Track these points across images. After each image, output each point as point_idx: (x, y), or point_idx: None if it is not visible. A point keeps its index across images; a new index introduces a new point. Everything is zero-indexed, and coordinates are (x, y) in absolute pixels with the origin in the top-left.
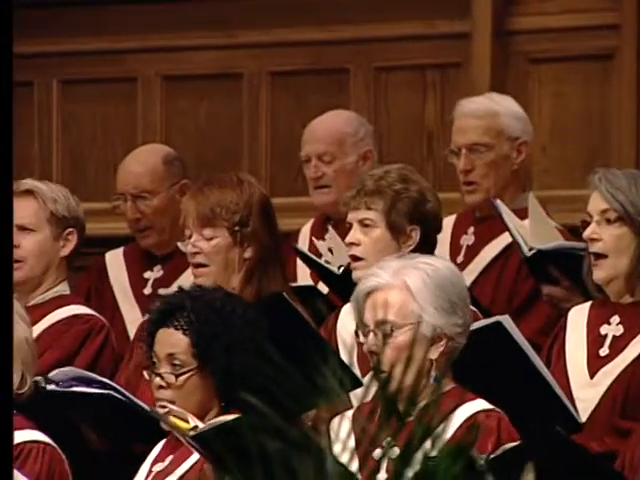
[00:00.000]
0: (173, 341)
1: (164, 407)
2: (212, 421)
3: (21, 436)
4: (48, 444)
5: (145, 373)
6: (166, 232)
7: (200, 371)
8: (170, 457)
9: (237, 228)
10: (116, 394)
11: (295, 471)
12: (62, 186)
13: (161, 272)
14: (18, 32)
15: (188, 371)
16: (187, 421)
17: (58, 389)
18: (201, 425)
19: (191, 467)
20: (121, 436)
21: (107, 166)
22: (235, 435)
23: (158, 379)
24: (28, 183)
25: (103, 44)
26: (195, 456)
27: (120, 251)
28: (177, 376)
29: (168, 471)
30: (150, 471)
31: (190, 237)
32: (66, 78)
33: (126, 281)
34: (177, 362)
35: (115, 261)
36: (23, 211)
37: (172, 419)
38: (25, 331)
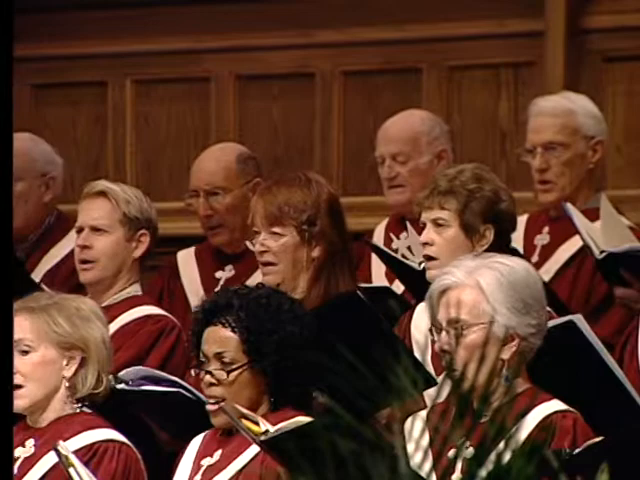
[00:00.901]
0: (222, 339)
1: (216, 404)
2: (284, 424)
3: (97, 435)
4: (124, 443)
5: (192, 371)
6: (237, 230)
7: (250, 367)
8: (219, 451)
9: (305, 227)
10: (185, 392)
11: (369, 471)
12: (135, 187)
13: (233, 272)
14: (93, 33)
15: (239, 367)
16: (258, 424)
17: (128, 388)
18: (272, 429)
19: (250, 461)
20: (190, 434)
21: (180, 166)
22: (308, 437)
23: (208, 377)
24: (101, 184)
25: (177, 44)
26: (252, 449)
27: (192, 250)
28: (228, 372)
29: (221, 466)
30: (199, 465)
31: (259, 236)
32: (140, 78)
33: (197, 280)
34: (227, 359)
35: (186, 260)
36: (96, 212)
37: (244, 422)
38: (101, 331)
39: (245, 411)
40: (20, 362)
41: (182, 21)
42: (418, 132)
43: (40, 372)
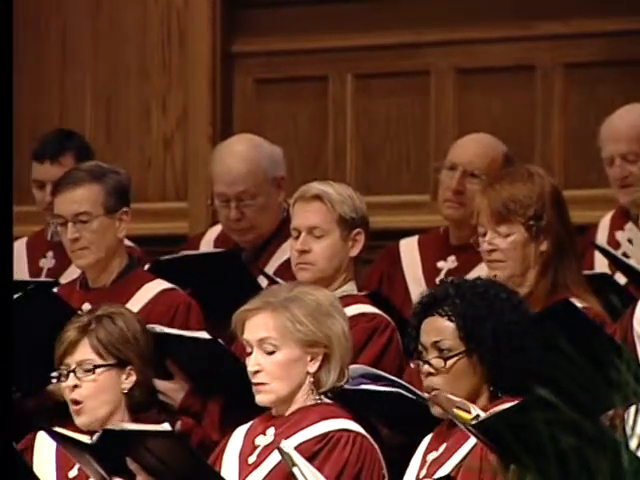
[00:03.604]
0: (439, 328)
1: (434, 394)
2: (494, 409)
3: (332, 425)
4: (359, 433)
5: (412, 363)
6: (469, 221)
7: (468, 355)
8: (444, 445)
9: (532, 222)
10: (404, 392)
11: (589, 465)
12: (354, 181)
13: (455, 263)
14: (315, 27)
15: (456, 355)
16: (469, 412)
17: (349, 386)
18: (482, 414)
19: (468, 453)
20: (412, 430)
21: (399, 159)
22: (517, 421)
23: (426, 366)
24: (315, 187)
25: (397, 38)
26: (470, 442)
27: (415, 239)
28: (445, 360)
29: (443, 459)
30: (424, 460)
31: (484, 235)
32: (360, 72)
33: (419, 270)
34: (444, 348)
35: (409, 249)
36: (312, 216)
37: (455, 410)
38: (342, 324)
39: (457, 399)
40: (265, 361)
41: (402, 15)
42: None
43: (285, 371)
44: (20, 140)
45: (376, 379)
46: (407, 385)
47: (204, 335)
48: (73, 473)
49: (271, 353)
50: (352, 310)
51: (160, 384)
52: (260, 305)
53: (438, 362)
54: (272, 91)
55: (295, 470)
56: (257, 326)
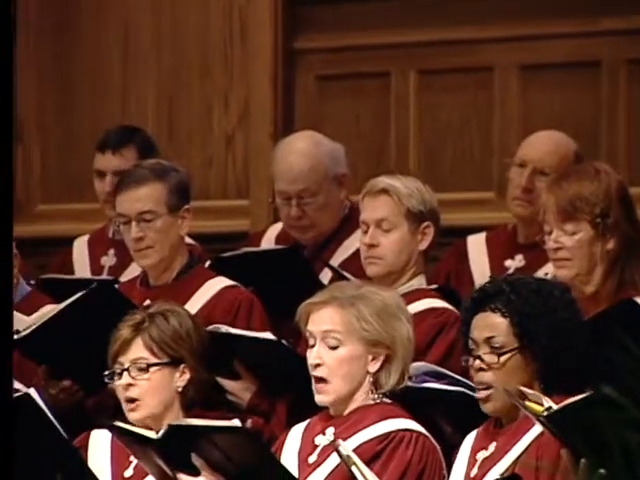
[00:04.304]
0: (492, 324)
1: (486, 390)
2: (566, 401)
3: (394, 424)
4: (421, 433)
5: (462, 359)
6: (538, 219)
7: (521, 352)
8: (493, 444)
9: (598, 220)
10: (468, 390)
11: None
12: (416, 178)
13: (523, 262)
14: (377, 23)
15: (510, 351)
16: (542, 404)
17: (411, 384)
18: (555, 406)
19: (522, 452)
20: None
21: (462, 156)
22: (588, 415)
23: (478, 362)
24: (382, 182)
25: (461, 34)
26: (524, 441)
27: (482, 236)
28: (499, 356)
29: (495, 458)
30: (474, 459)
31: (550, 233)
32: (423, 68)
33: (486, 267)
34: (497, 344)
35: (477, 245)
36: (380, 210)
37: (527, 403)
38: (407, 327)
39: (530, 391)
40: (327, 355)
41: (465, 10)
42: None
43: (346, 368)
44: (82, 139)
45: (439, 377)
46: (470, 383)
47: (268, 336)
48: (129, 473)
49: (334, 348)
50: (422, 304)
51: (228, 384)
52: (327, 299)
53: (491, 358)
54: (334, 88)
55: (354, 469)
56: (322, 319)
